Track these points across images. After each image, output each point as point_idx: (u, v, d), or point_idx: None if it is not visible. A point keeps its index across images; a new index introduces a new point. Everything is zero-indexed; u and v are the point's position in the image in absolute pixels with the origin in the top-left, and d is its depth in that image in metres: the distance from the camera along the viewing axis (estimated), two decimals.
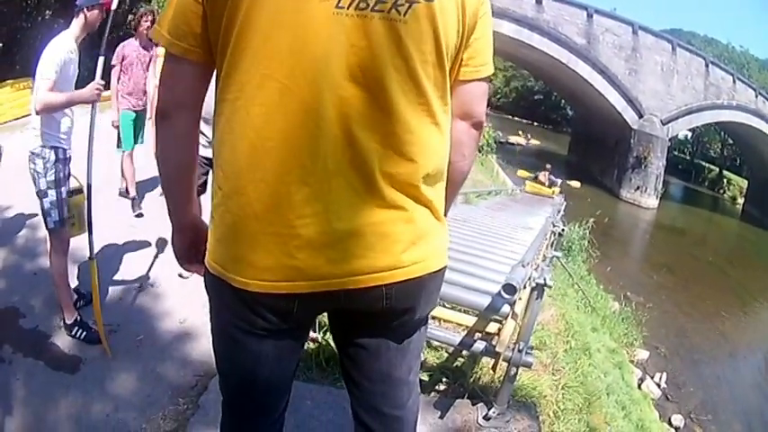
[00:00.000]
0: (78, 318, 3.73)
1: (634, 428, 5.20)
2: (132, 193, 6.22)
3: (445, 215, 1.54)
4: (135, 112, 6.07)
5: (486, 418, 3.06)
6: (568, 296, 7.97)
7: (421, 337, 1.67)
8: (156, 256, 4.98)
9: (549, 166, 23.89)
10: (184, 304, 4.25)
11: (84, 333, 3.69)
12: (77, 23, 3.49)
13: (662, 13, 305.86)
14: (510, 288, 2.64)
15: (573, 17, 29.05)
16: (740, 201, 41.37)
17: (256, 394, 1.62)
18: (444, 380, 3.51)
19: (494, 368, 3.14)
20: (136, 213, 6.09)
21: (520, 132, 48.03)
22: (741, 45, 72.04)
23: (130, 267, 4.75)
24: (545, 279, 2.83)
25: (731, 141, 46.80)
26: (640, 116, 30.11)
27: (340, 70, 1.25)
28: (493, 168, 21.85)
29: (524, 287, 2.95)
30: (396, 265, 1.37)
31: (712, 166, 51.09)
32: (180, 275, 4.43)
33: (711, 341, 13.16)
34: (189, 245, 1.64)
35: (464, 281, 3.13)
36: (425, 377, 3.44)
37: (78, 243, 3.77)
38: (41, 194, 3.53)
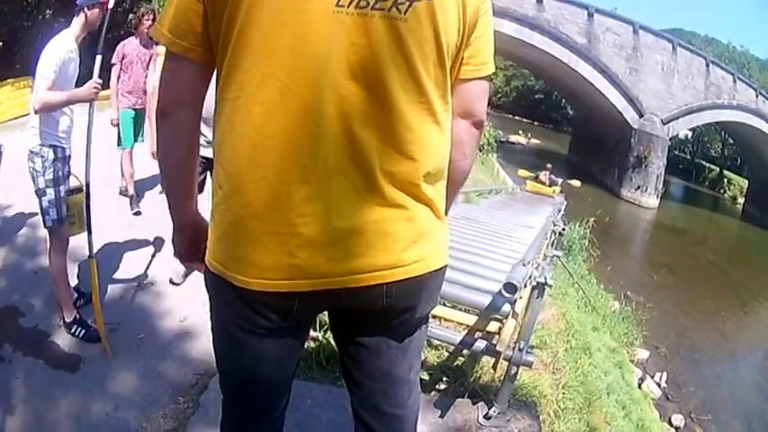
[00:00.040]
0: (77, 316, 3.74)
1: (634, 428, 5.19)
2: (131, 191, 6.22)
3: (446, 214, 1.54)
4: (135, 110, 6.07)
5: (487, 417, 3.05)
6: (569, 295, 7.96)
7: (422, 336, 1.67)
8: (156, 255, 4.98)
9: (549, 165, 23.87)
10: (185, 303, 4.24)
11: (83, 331, 3.69)
12: (78, 22, 3.49)
13: (662, 12, 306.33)
14: (511, 287, 2.64)
15: (574, 16, 29.04)
16: (740, 200, 41.32)
17: (257, 393, 1.62)
18: (445, 379, 3.51)
19: (494, 367, 3.14)
20: (134, 212, 6.09)
21: (520, 132, 48.03)
22: (741, 45, 72.18)
23: (131, 266, 4.75)
24: (546, 278, 2.83)
25: (732, 141, 46.78)
26: (641, 115, 30.10)
27: (340, 69, 1.25)
28: (493, 167, 21.83)
29: (525, 286, 2.95)
30: (396, 263, 1.37)
31: (713, 166, 51.09)
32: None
33: (712, 341, 13.15)
34: (189, 243, 1.64)
35: (465, 280, 3.13)
36: (426, 376, 3.45)
37: (78, 242, 3.77)
38: (40, 193, 3.54)
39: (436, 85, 1.35)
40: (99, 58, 3.41)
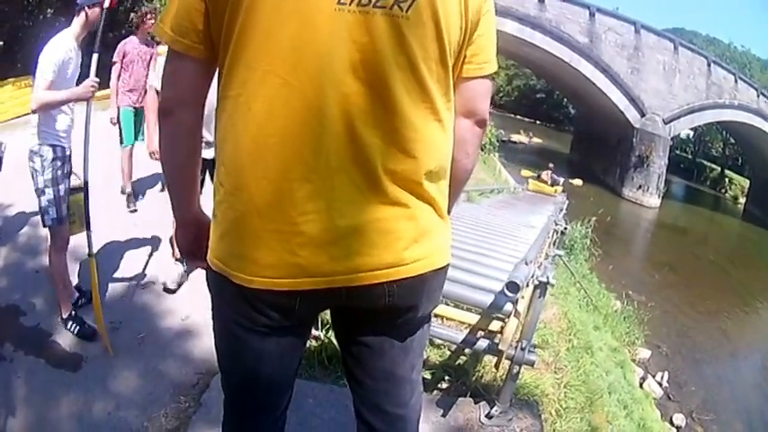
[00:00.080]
0: (73, 313, 3.76)
1: (636, 427, 5.18)
2: (128, 189, 6.24)
3: (449, 213, 1.53)
4: (135, 108, 6.08)
5: (489, 416, 3.05)
6: (570, 295, 7.95)
7: (424, 335, 1.66)
8: (158, 254, 4.97)
9: (551, 165, 23.88)
10: (186, 302, 4.24)
11: (78, 328, 3.71)
12: (78, 22, 3.50)
13: (664, 12, 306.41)
14: (513, 286, 2.63)
15: (575, 16, 29.05)
16: (742, 200, 41.29)
17: (258, 392, 1.61)
18: (447, 378, 3.51)
19: (496, 366, 3.14)
20: (131, 210, 6.11)
21: (522, 131, 48.06)
22: (743, 45, 72.50)
23: (132, 265, 4.75)
24: (548, 277, 2.82)
25: (733, 141, 46.79)
26: (642, 115, 30.10)
27: (342, 67, 1.24)
28: (495, 167, 21.80)
29: (527, 285, 2.95)
30: (398, 262, 1.36)
31: (714, 166, 51.11)
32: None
33: (713, 340, 13.15)
34: (192, 239, 1.63)
35: (467, 279, 3.12)
36: (428, 375, 3.44)
37: (79, 241, 3.77)
38: (39, 192, 3.55)
39: (438, 83, 1.35)
40: (95, 56, 3.42)
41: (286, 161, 1.27)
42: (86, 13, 3.46)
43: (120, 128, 6.13)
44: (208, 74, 1.41)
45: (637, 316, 10.54)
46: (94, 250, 3.60)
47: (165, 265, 4.60)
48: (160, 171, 1.56)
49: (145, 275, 4.63)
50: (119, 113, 6.09)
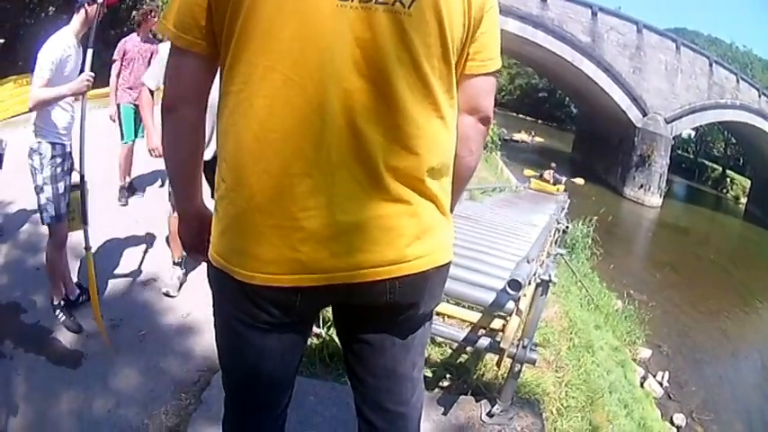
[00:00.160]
0: (62, 302, 3.80)
1: (636, 427, 5.18)
2: (122, 182, 6.29)
3: (451, 211, 1.53)
4: (136, 105, 6.08)
5: (490, 414, 3.05)
6: (572, 294, 7.96)
7: (425, 333, 1.66)
8: (159, 251, 4.97)
9: (554, 164, 23.86)
10: (187, 299, 4.24)
11: (63, 318, 3.76)
12: (78, 19, 3.49)
13: (666, 11, 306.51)
14: (515, 284, 2.63)
15: (577, 15, 29.03)
16: (743, 200, 41.25)
17: (259, 389, 1.61)
18: (448, 376, 3.51)
19: (498, 364, 3.14)
20: (122, 203, 6.19)
21: (524, 130, 48.02)
22: (744, 45, 72.59)
23: (133, 262, 4.75)
24: (550, 275, 2.82)
25: (734, 141, 46.76)
26: (644, 114, 30.08)
27: (344, 63, 1.24)
28: (497, 165, 21.81)
29: (529, 283, 2.95)
30: (400, 259, 1.36)
31: (715, 166, 51.12)
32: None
33: (714, 340, 13.14)
34: (195, 234, 1.63)
35: (468, 277, 3.12)
36: (429, 373, 3.44)
37: (80, 238, 3.75)
38: (38, 190, 3.57)
39: (441, 79, 1.34)
40: (90, 51, 3.44)
41: (287, 156, 1.27)
42: (86, 11, 3.45)
43: (120, 125, 6.15)
44: (210, 70, 1.41)
45: (638, 315, 10.55)
46: (96, 248, 3.61)
47: (165, 264, 4.59)
48: (160, 168, 1.57)
49: (146, 273, 4.62)
50: (119, 111, 6.10)
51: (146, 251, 5.00)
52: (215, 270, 1.42)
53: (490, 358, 3.51)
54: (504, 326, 2.93)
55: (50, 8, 15.04)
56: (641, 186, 30.38)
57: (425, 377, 3.24)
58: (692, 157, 54.99)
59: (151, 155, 4.65)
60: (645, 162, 30.05)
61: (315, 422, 2.86)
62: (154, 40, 6.09)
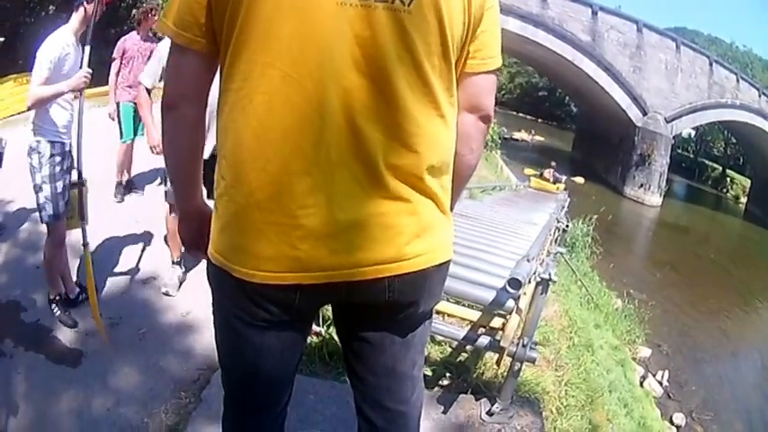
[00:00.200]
0: (58, 297, 3.81)
1: (636, 426, 5.18)
2: (118, 178, 6.30)
3: (452, 209, 1.53)
4: (135, 104, 6.08)
5: (490, 413, 3.05)
6: (572, 292, 7.95)
7: (425, 332, 1.66)
8: (159, 250, 4.97)
9: (554, 163, 23.91)
10: (187, 297, 4.24)
11: (59, 312, 3.78)
12: (77, 17, 3.50)
13: (666, 11, 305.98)
14: (515, 282, 2.63)
15: (578, 14, 29.04)
16: (743, 200, 41.26)
17: (258, 387, 1.61)
18: (448, 375, 3.50)
19: (497, 363, 3.13)
20: (117, 200, 6.20)
21: (524, 129, 48.02)
22: (744, 45, 72.65)
23: (133, 261, 4.74)
24: (550, 274, 2.82)
25: (734, 140, 46.78)
26: (644, 114, 30.10)
27: (344, 61, 1.24)
28: (497, 164, 21.83)
29: (529, 282, 2.94)
30: (399, 257, 1.36)
31: (715, 165, 51.13)
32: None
33: (714, 340, 13.14)
34: (195, 231, 1.63)
35: (468, 275, 3.11)
36: (429, 372, 3.43)
37: (80, 236, 3.76)
38: (37, 189, 3.58)
39: (441, 78, 1.34)
40: (87, 48, 3.44)
41: (286, 154, 1.27)
42: (85, 9, 3.46)
43: (119, 123, 6.14)
44: (210, 68, 1.41)
45: (637, 314, 10.54)
46: (96, 247, 3.60)
47: (165, 262, 4.59)
48: (160, 166, 1.57)
49: (146, 271, 4.62)
50: (118, 109, 6.09)
51: (145, 250, 4.99)
52: (214, 268, 1.42)
53: (490, 357, 3.51)
54: (504, 324, 2.92)
55: (50, 7, 15.06)
56: (641, 185, 30.40)
57: (425, 376, 3.25)
58: (692, 156, 55.01)
59: (153, 152, 4.65)
60: (645, 161, 30.07)
61: (315, 421, 2.85)
62: (154, 39, 6.09)
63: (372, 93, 1.26)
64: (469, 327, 3.09)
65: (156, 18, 5.99)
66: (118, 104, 6.10)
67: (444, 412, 3.06)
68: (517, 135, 44.52)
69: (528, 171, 24.70)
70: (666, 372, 10.02)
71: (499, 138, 25.62)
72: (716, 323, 14.28)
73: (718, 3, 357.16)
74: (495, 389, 3.27)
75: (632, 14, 31.45)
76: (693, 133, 47.43)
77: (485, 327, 3.04)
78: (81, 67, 3.45)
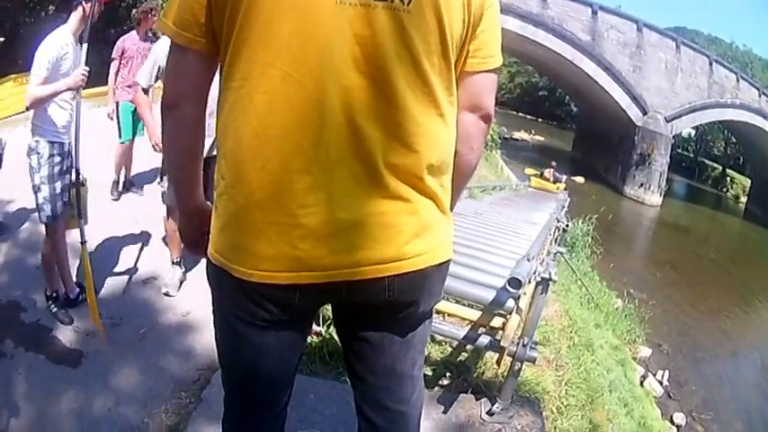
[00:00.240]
0: (55, 295, 3.82)
1: (636, 426, 5.18)
2: (114, 177, 6.30)
3: (452, 208, 1.52)
4: (134, 103, 6.09)
5: (490, 413, 3.05)
6: (572, 292, 7.96)
7: (425, 332, 1.66)
8: (159, 250, 4.96)
9: (554, 163, 23.91)
10: (187, 297, 4.24)
11: (56, 309, 3.80)
12: (75, 17, 3.49)
13: (666, 10, 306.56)
14: (515, 282, 2.62)
15: (578, 14, 29.06)
16: (743, 199, 41.26)
17: (258, 387, 1.61)
18: (448, 374, 3.50)
19: (498, 363, 3.13)
20: (113, 198, 6.20)
21: (524, 129, 48.02)
22: (744, 44, 72.65)
23: (133, 260, 4.74)
24: (550, 273, 2.82)
25: (734, 140, 46.79)
26: (644, 113, 30.12)
27: (344, 60, 1.24)
28: (497, 164, 21.85)
29: (529, 282, 2.94)
30: (399, 256, 1.36)
31: (715, 165, 51.13)
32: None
33: (714, 339, 13.14)
34: (195, 229, 1.63)
35: (468, 275, 3.11)
36: (429, 372, 3.43)
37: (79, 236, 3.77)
38: (36, 189, 3.57)
39: (440, 77, 1.34)
40: (85, 46, 3.44)
41: (286, 153, 1.27)
42: (83, 8, 3.45)
43: (118, 122, 6.14)
44: (210, 67, 1.41)
45: (638, 314, 10.54)
46: (96, 246, 3.60)
47: (165, 262, 4.59)
48: (160, 166, 1.57)
49: (145, 272, 4.62)
50: (117, 108, 6.08)
51: (145, 250, 4.98)
52: (214, 268, 1.42)
53: (490, 356, 3.51)
54: (504, 324, 2.92)
55: (50, 7, 15.06)
56: (641, 185, 30.42)
57: (425, 375, 3.24)
58: (692, 155, 54.99)
59: (155, 149, 4.65)
60: (645, 161, 30.09)
61: (315, 421, 2.85)
62: (153, 39, 6.08)
63: (372, 92, 1.26)
64: (470, 326, 3.09)
65: (155, 18, 5.98)
66: (117, 104, 6.09)
67: (444, 412, 3.06)
68: (517, 135, 44.56)
69: (528, 171, 24.70)
70: (667, 371, 10.03)
71: (499, 137, 25.66)
72: (716, 323, 14.28)
73: (718, 3, 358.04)
74: (495, 388, 3.27)
75: (632, 14, 31.50)
76: (693, 133, 47.42)
77: (485, 326, 3.04)
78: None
